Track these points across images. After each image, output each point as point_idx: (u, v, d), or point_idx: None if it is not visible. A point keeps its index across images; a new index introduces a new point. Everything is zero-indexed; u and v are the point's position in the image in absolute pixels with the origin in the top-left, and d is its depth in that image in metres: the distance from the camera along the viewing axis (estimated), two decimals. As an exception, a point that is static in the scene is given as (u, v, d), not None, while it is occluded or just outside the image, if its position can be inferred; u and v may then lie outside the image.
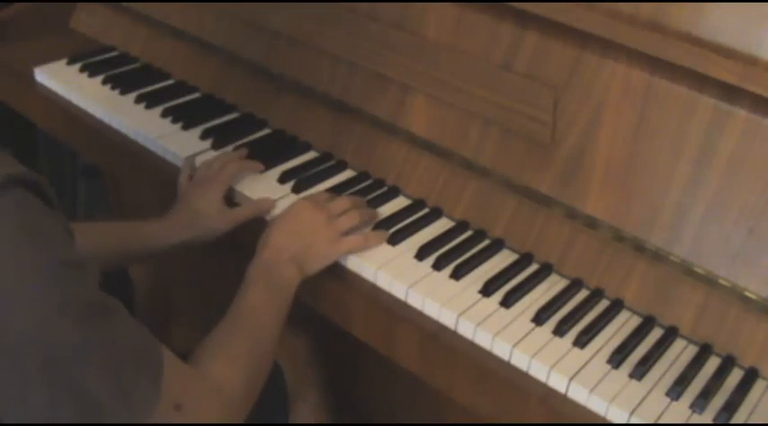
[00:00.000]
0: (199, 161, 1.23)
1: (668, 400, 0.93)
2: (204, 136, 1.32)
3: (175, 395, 0.78)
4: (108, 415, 0.72)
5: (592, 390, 0.92)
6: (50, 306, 0.69)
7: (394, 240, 1.12)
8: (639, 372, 0.95)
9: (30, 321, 0.68)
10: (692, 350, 1.00)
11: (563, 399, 0.94)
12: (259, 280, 1.00)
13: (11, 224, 0.68)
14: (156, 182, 1.28)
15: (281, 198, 1.19)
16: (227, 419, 0.86)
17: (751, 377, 0.96)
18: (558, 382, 0.94)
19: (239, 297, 0.98)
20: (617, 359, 0.97)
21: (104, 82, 1.45)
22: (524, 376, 0.96)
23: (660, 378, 0.95)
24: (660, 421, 0.90)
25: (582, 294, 1.07)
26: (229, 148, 1.29)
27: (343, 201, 1.12)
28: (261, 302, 0.98)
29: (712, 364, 0.98)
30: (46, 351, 0.69)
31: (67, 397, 0.70)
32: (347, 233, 1.08)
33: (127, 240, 1.12)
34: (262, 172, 1.23)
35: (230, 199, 1.19)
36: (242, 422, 0.91)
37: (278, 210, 1.15)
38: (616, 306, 1.05)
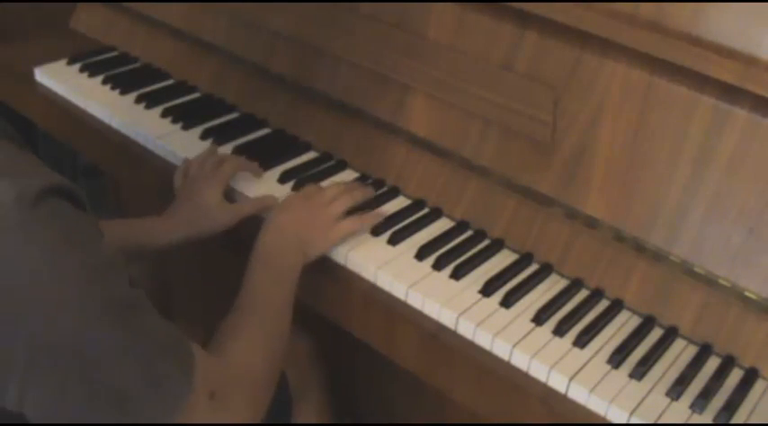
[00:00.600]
0: (189, 155, 1.23)
1: (668, 400, 0.93)
2: (204, 136, 1.32)
3: (208, 385, 0.80)
4: (143, 409, 0.74)
5: (592, 390, 0.92)
6: (87, 309, 0.71)
7: (394, 240, 1.12)
8: (639, 372, 0.95)
9: (68, 325, 0.70)
10: (692, 350, 1.00)
11: (563, 399, 0.94)
12: (263, 263, 1.02)
13: (50, 233, 0.70)
14: (156, 182, 1.28)
15: (281, 198, 1.19)
16: (256, 400, 0.89)
17: (751, 377, 0.96)
18: (558, 382, 0.95)
19: (246, 278, 0.99)
20: (617, 359, 0.97)
21: (104, 82, 1.45)
22: (524, 376, 0.96)
23: (660, 378, 0.95)
24: (660, 421, 0.90)
25: (582, 294, 1.07)
26: (229, 148, 1.29)
27: (331, 189, 1.14)
28: (268, 285, 1.00)
29: (712, 364, 0.98)
30: (84, 352, 0.71)
31: (105, 396, 0.72)
32: (342, 217, 1.10)
33: (129, 238, 1.13)
34: (261, 174, 1.23)
35: (230, 198, 1.19)
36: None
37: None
38: (616, 306, 1.05)
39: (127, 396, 0.73)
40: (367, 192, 1.17)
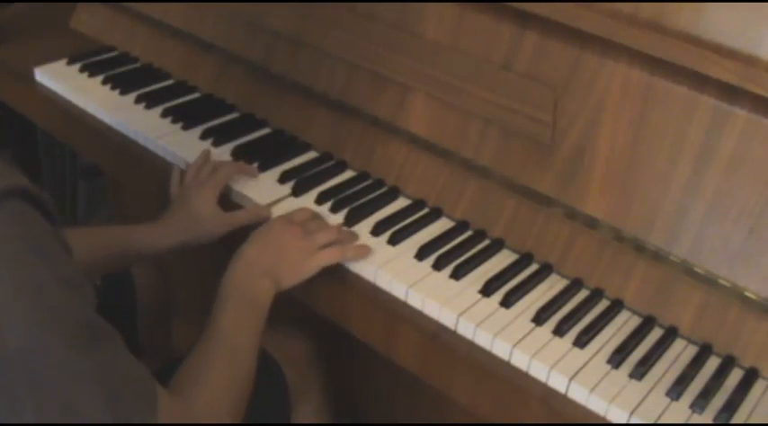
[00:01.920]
0: (189, 155, 1.23)
1: (668, 400, 0.93)
2: (204, 136, 1.32)
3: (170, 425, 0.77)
4: None
5: (592, 390, 0.92)
6: (44, 322, 0.67)
7: (394, 240, 1.12)
8: (639, 372, 0.95)
9: (21, 335, 0.66)
10: (692, 350, 1.00)
11: (563, 399, 0.94)
12: (231, 298, 0.98)
13: (9, 237, 0.66)
14: (156, 182, 1.28)
15: (281, 198, 1.19)
16: None
17: (751, 377, 0.96)
18: (558, 382, 0.94)
19: (213, 318, 0.96)
20: (617, 359, 0.97)
21: (104, 82, 1.45)
22: (524, 376, 0.96)
23: (660, 378, 0.95)
24: (660, 421, 0.90)
25: (582, 294, 1.07)
26: (229, 148, 1.29)
27: (320, 220, 1.12)
28: (235, 323, 0.96)
29: (712, 364, 0.98)
30: (36, 367, 0.67)
31: (58, 415, 0.69)
32: (324, 248, 1.07)
33: (122, 244, 1.12)
34: (256, 175, 1.23)
35: (228, 198, 1.20)
36: (244, 423, 0.92)
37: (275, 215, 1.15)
38: (616, 306, 1.05)
39: (82, 420, 0.69)
40: (354, 236, 1.12)
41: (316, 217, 1.14)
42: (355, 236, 1.12)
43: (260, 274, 1.01)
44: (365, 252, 1.09)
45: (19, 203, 0.68)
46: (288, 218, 1.10)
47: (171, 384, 0.87)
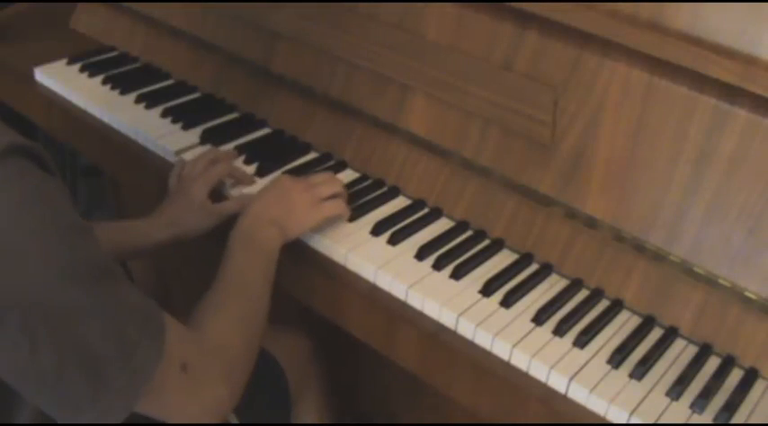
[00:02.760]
0: (189, 154, 1.23)
1: (668, 400, 0.93)
2: (204, 136, 1.32)
3: (181, 356, 0.80)
4: (112, 374, 0.73)
5: (592, 390, 0.92)
6: (58, 266, 0.70)
7: (394, 240, 1.12)
8: (639, 372, 0.95)
9: (38, 281, 0.69)
10: (692, 350, 1.00)
11: (563, 399, 0.94)
12: (240, 245, 1.02)
13: (16, 190, 0.69)
14: (156, 182, 1.28)
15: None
16: (231, 377, 0.88)
17: (751, 377, 0.96)
18: (557, 382, 0.95)
19: (224, 262, 1.00)
20: (617, 359, 0.97)
21: (104, 82, 1.45)
22: (524, 376, 0.96)
23: (660, 378, 0.95)
24: (660, 421, 0.90)
25: (582, 294, 1.07)
26: (229, 148, 1.29)
27: (321, 174, 1.16)
28: (246, 264, 1.00)
29: (712, 364, 0.98)
30: (54, 310, 0.70)
31: (74, 356, 0.71)
32: (325, 200, 1.11)
33: (112, 239, 1.13)
34: (253, 182, 1.22)
35: (225, 197, 1.19)
36: (244, 423, 0.92)
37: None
38: (616, 306, 1.05)
39: (96, 360, 0.72)
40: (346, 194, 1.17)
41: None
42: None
43: (267, 223, 1.05)
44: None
45: (20, 159, 0.71)
46: (291, 175, 1.14)
47: (189, 319, 0.90)
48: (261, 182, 1.22)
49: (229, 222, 1.14)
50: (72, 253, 0.72)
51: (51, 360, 0.70)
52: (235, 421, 1.07)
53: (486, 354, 0.99)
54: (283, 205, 1.08)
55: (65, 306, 0.71)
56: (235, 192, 1.20)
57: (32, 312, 0.69)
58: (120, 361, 0.74)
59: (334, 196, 1.13)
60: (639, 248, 1.05)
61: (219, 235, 1.14)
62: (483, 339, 0.99)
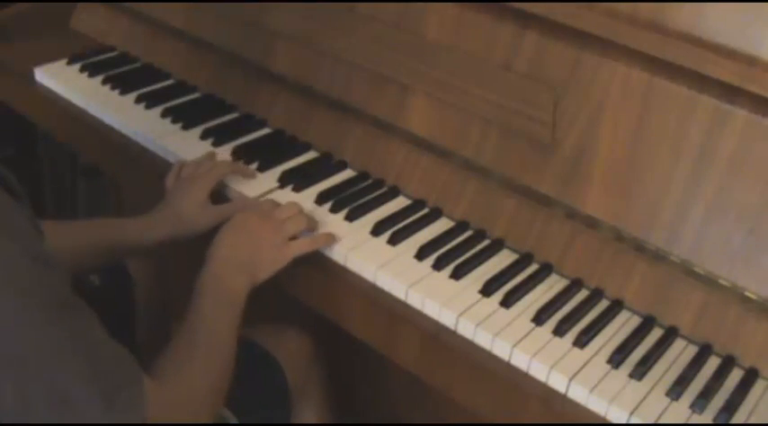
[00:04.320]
0: (188, 154, 1.23)
1: (668, 400, 0.93)
2: (204, 136, 1.32)
3: (152, 408, 0.77)
4: (85, 416, 0.71)
5: (592, 390, 0.92)
6: (15, 296, 0.67)
7: (394, 240, 1.12)
8: (639, 372, 0.95)
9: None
10: (692, 350, 1.00)
11: (563, 399, 0.94)
12: (208, 293, 0.98)
13: None
14: (156, 183, 1.28)
15: (278, 198, 1.19)
16: None
17: (751, 377, 0.96)
18: (558, 382, 0.95)
19: (191, 309, 0.96)
20: (617, 359, 0.97)
21: (104, 82, 1.45)
22: (524, 376, 0.96)
23: (660, 378, 0.95)
24: (660, 421, 0.90)
25: (582, 294, 1.07)
26: (229, 148, 1.29)
27: (287, 207, 1.12)
28: (213, 315, 0.96)
29: (712, 364, 0.98)
30: (10, 342, 0.67)
31: (38, 390, 0.68)
32: (295, 237, 1.08)
33: (108, 237, 1.12)
34: (254, 176, 1.22)
35: (226, 198, 1.19)
36: (243, 423, 0.91)
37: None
38: (616, 306, 1.05)
39: (66, 397, 0.69)
40: (314, 222, 1.13)
41: (279, 205, 1.14)
42: (315, 222, 1.13)
43: (235, 270, 1.02)
44: (332, 239, 1.10)
45: None
46: (257, 211, 1.10)
47: (152, 369, 0.87)
48: (262, 177, 1.23)
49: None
50: (34, 286, 0.68)
51: (14, 397, 0.67)
52: (234, 421, 1.07)
53: (487, 354, 0.99)
54: (251, 247, 1.04)
55: (25, 341, 0.67)
56: (236, 187, 1.20)
57: None
58: (98, 405, 0.71)
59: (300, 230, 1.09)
60: (640, 248, 1.05)
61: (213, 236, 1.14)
62: (483, 339, 0.99)
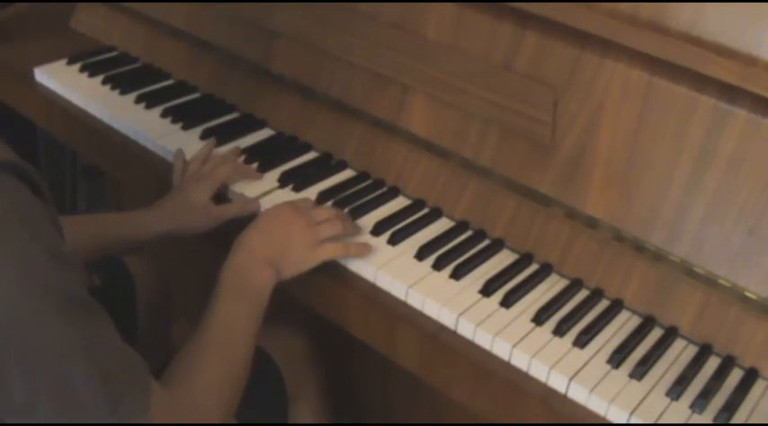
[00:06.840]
0: (188, 154, 1.24)
1: (668, 400, 0.93)
2: (204, 136, 1.32)
3: (154, 416, 0.76)
4: (91, 419, 0.70)
5: (592, 390, 0.92)
6: (32, 292, 0.67)
7: (394, 240, 1.12)
8: (639, 372, 0.95)
9: (12, 307, 0.66)
10: (692, 350, 1.00)
11: (563, 399, 0.94)
12: (231, 286, 0.96)
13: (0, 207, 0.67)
14: (156, 183, 1.28)
15: (278, 198, 1.19)
16: None
17: (751, 377, 0.96)
18: (558, 382, 0.94)
19: (211, 306, 0.94)
20: (617, 359, 0.97)
21: (104, 82, 1.45)
22: (524, 376, 0.96)
23: (660, 378, 0.95)
24: (660, 421, 0.90)
25: (582, 294, 1.07)
26: (229, 148, 1.29)
27: (326, 210, 1.11)
28: (233, 313, 0.94)
29: (712, 364, 0.98)
30: (24, 338, 0.67)
31: (48, 388, 0.68)
32: (327, 241, 1.06)
33: (110, 228, 1.13)
34: (259, 177, 1.22)
35: (226, 198, 1.19)
36: (242, 423, 0.91)
37: (265, 208, 1.14)
38: (616, 306, 1.05)
39: (72, 394, 0.69)
40: (357, 229, 1.12)
41: (318, 205, 1.13)
42: (358, 229, 1.12)
43: (262, 263, 1.00)
44: (367, 250, 1.08)
45: (8, 177, 0.68)
46: (294, 205, 1.08)
47: (165, 372, 0.86)
48: (266, 177, 1.23)
49: (229, 224, 1.14)
50: (49, 280, 0.68)
51: (22, 389, 0.67)
52: (232, 420, 1.07)
53: (487, 354, 0.99)
54: (282, 242, 1.02)
55: (37, 334, 0.67)
56: (237, 188, 1.20)
57: (3, 341, 0.66)
58: (103, 407, 0.70)
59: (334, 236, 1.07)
60: (639, 248, 1.05)
61: (220, 237, 1.14)
62: (483, 339, 0.99)
